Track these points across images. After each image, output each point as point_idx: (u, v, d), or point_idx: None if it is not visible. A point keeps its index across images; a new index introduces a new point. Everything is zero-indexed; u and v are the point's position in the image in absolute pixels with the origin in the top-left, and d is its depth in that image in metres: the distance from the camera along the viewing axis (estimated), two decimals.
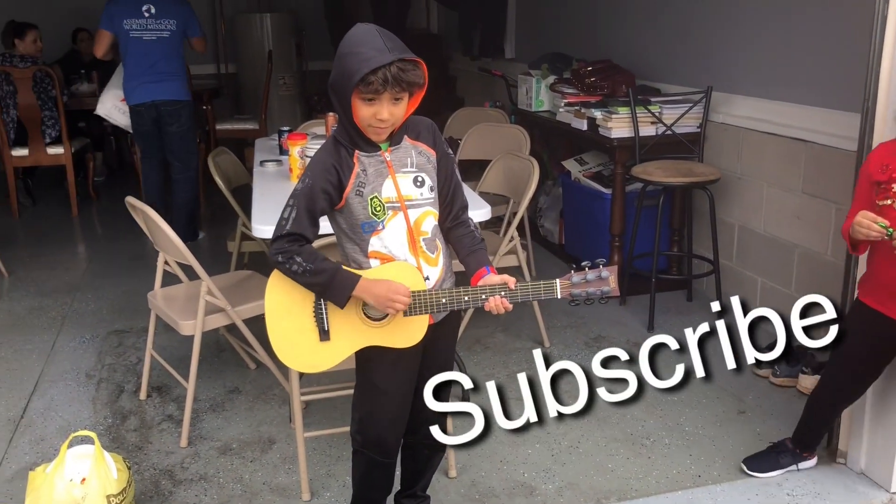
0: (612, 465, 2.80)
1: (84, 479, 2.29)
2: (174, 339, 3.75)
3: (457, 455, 2.78)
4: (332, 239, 2.17)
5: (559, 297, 2.00)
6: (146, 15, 5.04)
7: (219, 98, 7.24)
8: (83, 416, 3.17)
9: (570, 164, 4.71)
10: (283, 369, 3.12)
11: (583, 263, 2.01)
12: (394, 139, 2.02)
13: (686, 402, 3.22)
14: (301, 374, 2.68)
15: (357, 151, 1.99)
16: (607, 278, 1.99)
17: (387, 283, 1.97)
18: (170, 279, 3.24)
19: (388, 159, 2.00)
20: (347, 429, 2.58)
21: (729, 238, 4.07)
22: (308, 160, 3.20)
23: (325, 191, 1.97)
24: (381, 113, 1.90)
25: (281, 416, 3.14)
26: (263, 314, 2.85)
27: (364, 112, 1.91)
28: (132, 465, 2.66)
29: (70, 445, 2.37)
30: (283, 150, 3.89)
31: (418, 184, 2.03)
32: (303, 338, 2.07)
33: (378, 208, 1.99)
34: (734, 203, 4.01)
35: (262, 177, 3.54)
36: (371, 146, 2.00)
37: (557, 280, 2.00)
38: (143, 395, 3.30)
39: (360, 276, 1.99)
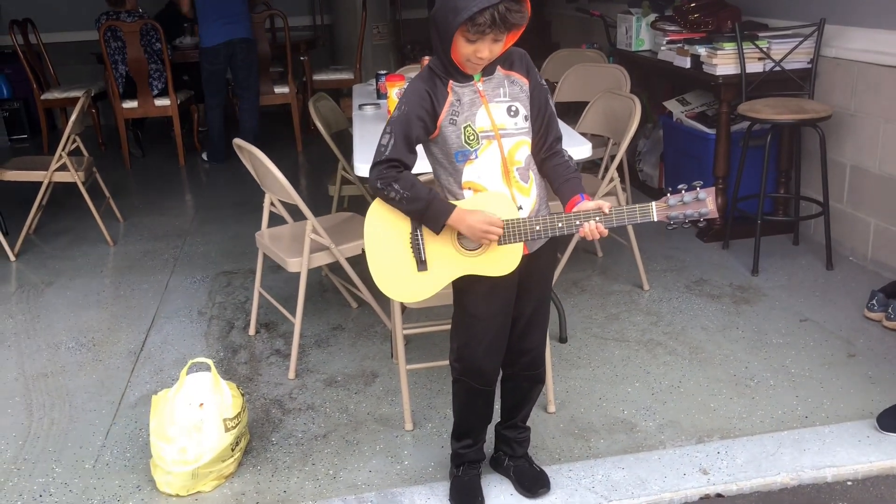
0: (714, 405, 2.76)
1: (202, 404, 2.42)
2: (280, 280, 3.89)
3: (555, 391, 2.80)
4: (430, 176, 2.20)
5: (655, 219, 1.97)
6: None
7: (314, 49, 7.35)
8: (197, 350, 3.34)
9: (672, 105, 4.57)
10: (385, 306, 3.21)
11: (679, 186, 1.97)
12: (486, 70, 2.02)
13: (792, 344, 3.13)
14: (403, 310, 2.74)
15: (451, 81, 2.00)
16: (705, 199, 1.94)
17: (480, 213, 1.98)
18: (275, 221, 3.35)
19: (480, 89, 2.01)
20: (447, 362, 2.64)
21: (840, 179, 3.89)
22: None
23: (420, 118, 1.99)
24: (481, 51, 1.91)
25: (383, 352, 3.23)
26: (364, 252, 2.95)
27: (465, 49, 1.91)
28: (244, 394, 2.79)
29: (188, 372, 2.51)
30: (380, 94, 3.93)
31: (512, 113, 2.03)
32: (401, 268, 2.11)
33: (472, 137, 2.00)
34: (846, 141, 3.82)
35: (361, 120, 3.59)
36: (465, 77, 2.01)
37: (653, 202, 1.97)
38: (252, 331, 3.45)
39: (454, 206, 2.01)
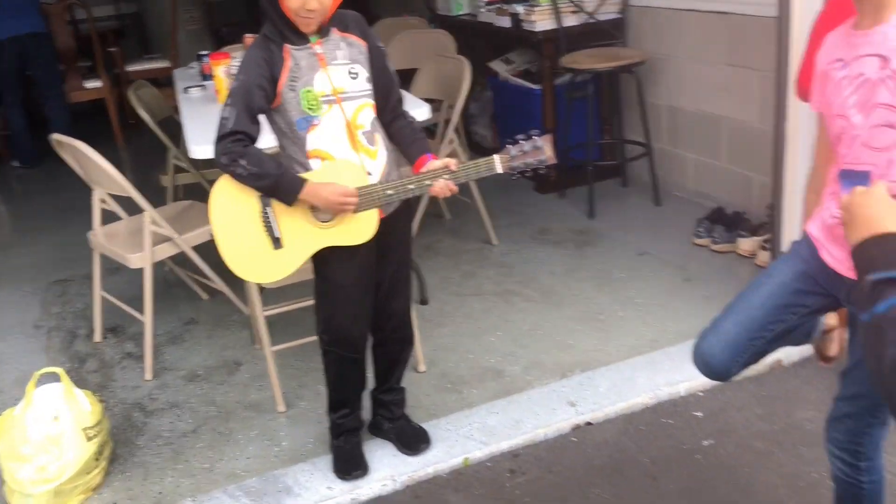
0: (571, 341, 2.91)
1: (56, 417, 2.27)
2: (121, 280, 3.67)
3: (423, 351, 2.84)
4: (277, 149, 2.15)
5: (500, 170, 2.03)
6: None
7: (124, 38, 6.93)
8: (38, 365, 3.05)
9: (497, 65, 4.70)
10: (240, 292, 3.11)
11: (517, 136, 2.04)
12: (322, 31, 2.00)
13: (634, 277, 3.34)
14: (261, 291, 2.68)
15: (287, 45, 1.97)
16: (542, 147, 2.02)
17: (333, 185, 1.97)
18: (107, 219, 3.15)
19: (318, 52, 1.99)
20: (312, 339, 2.62)
21: (658, 120, 4.16)
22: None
23: (260, 86, 1.95)
24: (309, 3, 1.89)
25: (242, 340, 3.14)
26: (212, 240, 2.84)
27: (294, 3, 1.89)
28: (103, 401, 2.64)
29: (37, 385, 2.33)
30: (204, 76, 3.78)
31: (353, 75, 2.02)
32: (255, 248, 2.06)
33: (313, 102, 1.98)
34: (661, 84, 4.09)
35: (188, 103, 3.44)
36: (300, 39, 1.98)
37: (496, 155, 2.03)
38: (97, 338, 3.25)
39: (306, 180, 1.98)
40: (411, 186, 2.02)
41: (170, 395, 2.82)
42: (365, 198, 2.00)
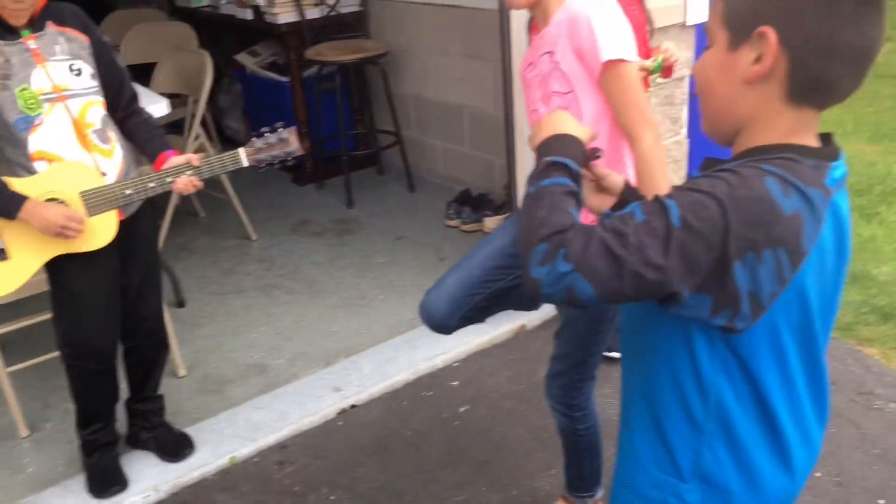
0: (335, 329, 2.96)
1: None
2: None
3: (182, 354, 2.76)
4: None
5: (246, 164, 2.03)
6: None
7: None
8: None
9: (244, 58, 4.62)
10: None
11: (262, 129, 2.05)
12: (35, 25, 1.88)
13: (393, 261, 3.46)
14: None
15: None
16: (288, 138, 2.05)
17: (54, 206, 1.86)
18: None
19: (32, 47, 1.87)
20: (53, 355, 2.46)
21: (406, 109, 4.31)
22: None
23: None
24: None
25: None
26: None
27: None
28: None
29: None
30: None
31: (75, 72, 1.91)
32: None
33: (31, 101, 1.86)
34: (406, 75, 4.24)
35: None
36: (10, 33, 1.85)
37: (241, 149, 2.02)
38: None
39: (25, 198, 1.85)
40: (152, 185, 1.96)
41: None
42: (100, 199, 1.91)
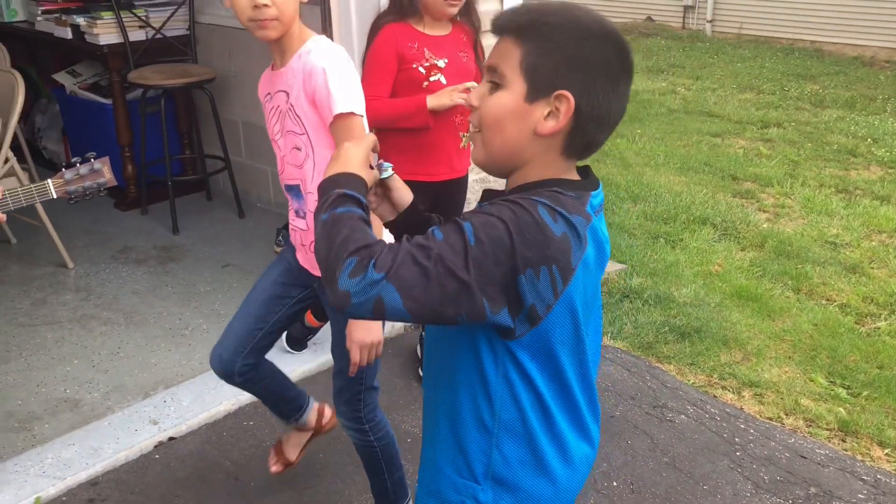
0: (155, 360, 2.90)
1: None
2: None
3: None
4: None
5: (55, 196, 1.98)
6: None
7: None
8: None
9: (63, 77, 4.43)
10: None
11: (73, 160, 2.01)
12: None
13: (218, 289, 3.43)
14: None
15: None
16: (100, 170, 2.03)
17: None
18: None
19: None
20: None
21: (236, 135, 4.29)
22: None
23: None
24: None
25: None
26: None
27: None
28: None
29: None
30: None
31: None
32: None
33: None
34: (234, 100, 4.22)
35: None
36: None
37: (50, 180, 1.98)
38: None
39: None
40: None
41: None
42: None
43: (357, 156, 1.18)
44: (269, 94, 1.82)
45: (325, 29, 2.92)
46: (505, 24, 1.12)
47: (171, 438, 2.51)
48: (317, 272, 1.86)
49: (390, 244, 1.03)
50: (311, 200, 1.78)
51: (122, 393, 2.71)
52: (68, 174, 1.99)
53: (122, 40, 3.98)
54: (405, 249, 1.01)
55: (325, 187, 1.13)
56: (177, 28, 4.16)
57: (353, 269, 0.99)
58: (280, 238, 3.75)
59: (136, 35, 4.04)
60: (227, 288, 3.45)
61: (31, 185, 1.96)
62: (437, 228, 1.05)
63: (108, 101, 4.21)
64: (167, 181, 3.97)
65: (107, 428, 2.52)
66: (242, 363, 1.96)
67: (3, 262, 3.61)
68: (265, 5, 1.65)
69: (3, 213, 1.92)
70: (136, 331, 3.10)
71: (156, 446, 2.48)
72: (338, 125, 1.70)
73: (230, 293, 3.40)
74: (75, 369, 2.84)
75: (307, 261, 1.89)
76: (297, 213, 1.88)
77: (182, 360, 2.90)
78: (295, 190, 1.83)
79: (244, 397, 2.70)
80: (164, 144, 3.91)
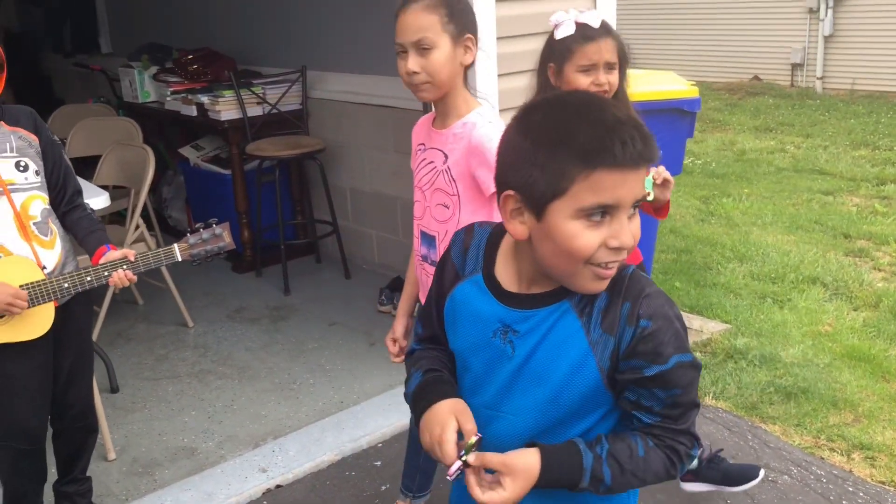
0: (265, 412, 3.06)
1: None
2: None
3: (114, 438, 2.83)
4: None
5: (180, 259, 2.18)
6: None
7: None
8: None
9: (188, 151, 4.81)
10: None
11: (196, 225, 2.21)
12: None
13: (324, 346, 3.59)
14: None
15: None
16: (221, 234, 2.22)
17: (3, 285, 1.97)
18: None
19: None
20: None
21: (343, 200, 4.52)
22: None
23: None
24: None
25: None
26: None
27: None
28: None
29: None
30: None
31: (21, 168, 2.06)
32: None
33: None
34: (342, 168, 4.47)
35: None
36: None
37: (176, 244, 2.18)
38: None
39: None
40: (88, 278, 2.08)
41: None
42: (39, 292, 2.02)
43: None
44: (423, 144, 1.91)
45: None
46: None
47: (278, 486, 2.63)
48: None
49: None
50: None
51: (234, 443, 2.87)
52: (192, 239, 2.19)
53: (241, 116, 4.31)
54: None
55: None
56: (290, 103, 4.47)
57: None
58: (383, 297, 3.90)
59: (254, 111, 4.37)
60: (332, 345, 3.60)
61: (160, 250, 2.16)
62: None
63: (227, 172, 4.54)
64: (280, 245, 4.21)
65: (220, 475, 2.67)
66: None
67: (132, 322, 3.91)
68: (414, 72, 1.76)
69: (134, 274, 2.13)
70: (248, 385, 3.28)
71: (264, 493, 2.60)
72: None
73: (335, 349, 3.55)
74: (193, 420, 3.03)
75: None
76: (424, 258, 1.97)
77: (290, 413, 3.04)
78: (430, 239, 1.92)
79: (346, 448, 2.81)
80: (278, 211, 4.17)
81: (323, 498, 2.59)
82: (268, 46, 4.78)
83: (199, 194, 4.86)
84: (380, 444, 2.85)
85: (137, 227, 3.56)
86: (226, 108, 4.28)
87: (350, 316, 3.89)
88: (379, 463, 2.75)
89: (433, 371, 1.32)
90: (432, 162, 1.90)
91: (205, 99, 4.37)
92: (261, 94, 4.37)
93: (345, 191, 4.51)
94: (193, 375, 3.38)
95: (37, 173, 2.10)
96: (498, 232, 1.28)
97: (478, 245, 1.30)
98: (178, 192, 5.10)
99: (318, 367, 3.40)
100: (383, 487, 2.63)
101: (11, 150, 2.06)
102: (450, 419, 1.20)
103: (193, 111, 4.48)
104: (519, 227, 1.14)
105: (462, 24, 1.81)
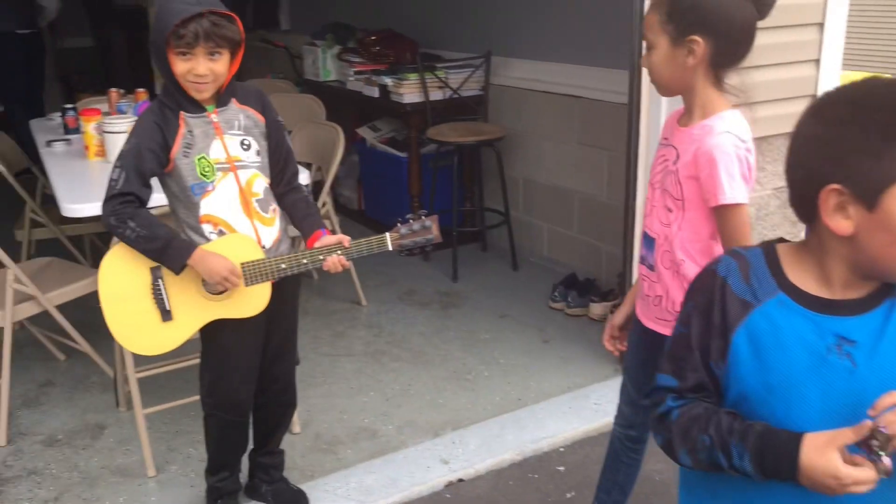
0: (442, 401, 3.04)
1: None
2: None
3: (298, 411, 2.87)
4: (167, 209, 2.17)
5: (391, 248, 2.16)
6: None
7: None
8: None
9: (365, 132, 4.86)
10: (106, 354, 3.03)
11: (407, 216, 2.18)
12: (220, 101, 2.06)
13: (497, 338, 3.54)
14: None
15: (182, 112, 2.01)
16: (430, 227, 2.18)
17: (221, 258, 2.01)
18: None
19: (214, 120, 2.04)
20: (183, 402, 2.61)
21: (516, 190, 4.44)
22: (106, 136, 3.11)
23: (151, 150, 1.97)
24: (197, 68, 1.93)
25: (105, 402, 3.04)
26: (72, 300, 2.79)
27: (180, 67, 1.93)
28: None
29: None
30: (68, 129, 3.68)
31: (245, 146, 2.09)
32: (144, 321, 2.06)
33: (207, 169, 2.03)
34: (518, 158, 4.39)
35: (53, 157, 3.34)
36: (196, 107, 2.02)
37: (387, 234, 2.16)
38: None
39: (197, 245, 2.02)
40: (305, 261, 2.09)
41: (27, 461, 2.69)
42: (258, 271, 2.05)
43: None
44: (666, 139, 1.82)
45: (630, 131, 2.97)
46: None
47: (460, 480, 2.60)
48: (651, 324, 1.86)
49: None
50: (667, 258, 1.79)
51: (413, 429, 2.86)
52: (403, 229, 2.17)
53: (422, 99, 4.31)
54: None
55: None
56: (471, 89, 4.42)
57: None
58: (556, 293, 3.80)
59: (435, 94, 4.35)
60: (505, 338, 3.54)
61: (372, 238, 2.15)
62: None
63: (403, 155, 4.55)
64: (451, 231, 4.19)
65: (402, 461, 2.67)
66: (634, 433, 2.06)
67: (308, 296, 3.98)
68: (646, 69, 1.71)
69: (347, 260, 2.12)
70: (423, 370, 3.27)
71: (446, 485, 2.57)
72: (722, 214, 1.68)
73: (508, 343, 3.49)
74: (371, 401, 3.05)
75: (643, 309, 1.88)
76: (642, 259, 1.87)
77: (467, 404, 3.01)
78: (650, 241, 1.83)
79: (527, 449, 2.74)
80: (453, 197, 4.14)
81: (507, 498, 2.53)
82: (451, 30, 4.75)
83: (372, 175, 4.91)
84: (561, 449, 2.77)
85: (324, 204, 3.61)
86: (409, 91, 4.29)
87: (520, 309, 3.82)
88: (562, 468, 2.67)
89: (741, 419, 1.14)
90: (667, 159, 1.79)
91: (388, 81, 4.39)
92: (443, 79, 4.35)
93: (518, 180, 4.43)
94: (369, 355, 3.40)
95: (258, 153, 2.13)
96: (769, 247, 1.18)
97: (757, 266, 1.17)
98: (350, 171, 5.18)
99: (492, 360, 3.34)
100: (568, 495, 2.54)
101: (238, 129, 2.08)
102: (832, 454, 1.03)
103: (375, 92, 4.51)
104: (843, 224, 1.06)
105: (685, 23, 1.65)
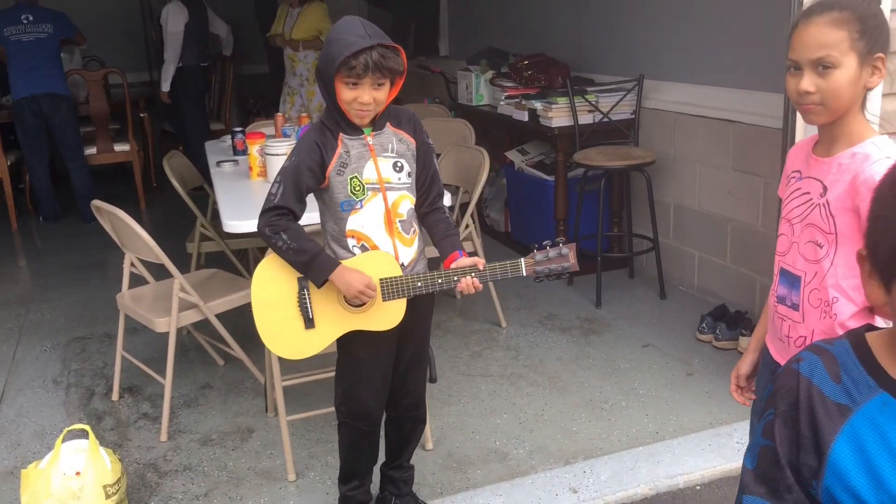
0: (575, 429, 3.00)
1: (79, 472, 2.36)
2: (138, 342, 3.80)
3: (431, 428, 2.93)
4: (317, 227, 2.29)
5: (524, 274, 2.17)
6: (24, 22, 5.69)
7: (155, 105, 7.21)
8: (57, 420, 3.19)
9: (513, 155, 4.91)
10: (258, 361, 3.23)
11: (544, 243, 2.18)
12: (376, 124, 2.16)
13: (637, 368, 3.44)
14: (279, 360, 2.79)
15: (341, 134, 2.13)
16: (567, 255, 2.17)
17: (359, 274, 2.10)
18: (133, 281, 3.30)
19: (370, 143, 2.14)
20: (325, 411, 2.73)
21: (666, 216, 4.32)
22: (267, 157, 3.33)
23: (309, 168, 2.10)
24: (362, 97, 2.03)
25: (256, 407, 3.23)
26: (232, 310, 2.98)
27: (347, 95, 2.04)
28: (121, 460, 2.72)
29: (64, 440, 2.43)
30: (236, 151, 3.97)
31: (397, 168, 2.17)
32: (289, 326, 2.19)
33: (357, 188, 2.13)
34: (669, 183, 4.27)
35: (220, 177, 3.62)
36: (355, 130, 2.13)
37: (522, 259, 2.17)
38: (115, 396, 3.34)
39: (339, 262, 2.12)
40: (440, 281, 2.15)
41: (183, 457, 2.91)
42: (395, 287, 2.13)
43: None
44: (798, 172, 1.73)
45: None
46: None
47: None
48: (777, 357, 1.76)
49: None
50: (815, 296, 1.67)
51: (544, 454, 2.84)
52: (539, 255, 2.17)
53: (571, 123, 4.29)
54: None
55: None
56: (622, 112, 4.36)
57: None
58: (704, 325, 3.65)
59: (585, 118, 4.32)
60: (646, 368, 3.44)
61: (507, 262, 2.17)
62: None
63: (550, 178, 4.55)
64: (596, 256, 4.13)
65: (530, 486, 2.65)
66: None
67: (450, 315, 4.06)
68: (808, 92, 1.60)
69: (480, 283, 2.16)
70: (558, 396, 3.24)
71: None
72: None
73: (650, 373, 3.39)
74: (504, 422, 3.05)
75: (781, 352, 1.76)
76: (781, 299, 1.75)
77: (601, 434, 2.95)
78: (792, 279, 1.71)
79: (661, 484, 2.65)
80: (599, 221, 4.09)
81: None
82: (602, 54, 4.71)
83: (519, 198, 4.94)
84: (697, 487, 2.65)
85: (467, 226, 3.67)
86: (558, 115, 4.29)
87: (665, 340, 3.70)
88: None
89: None
90: (808, 193, 1.67)
91: (538, 105, 4.41)
92: (594, 103, 4.32)
93: (668, 206, 4.31)
94: (505, 377, 3.41)
95: (409, 175, 2.20)
96: (858, 337, 1.03)
97: (847, 361, 1.03)
98: (498, 194, 5.23)
99: (630, 390, 3.26)
100: None
101: (392, 151, 2.17)
102: None
103: (525, 116, 4.54)
104: None
105: (874, 41, 1.57)
